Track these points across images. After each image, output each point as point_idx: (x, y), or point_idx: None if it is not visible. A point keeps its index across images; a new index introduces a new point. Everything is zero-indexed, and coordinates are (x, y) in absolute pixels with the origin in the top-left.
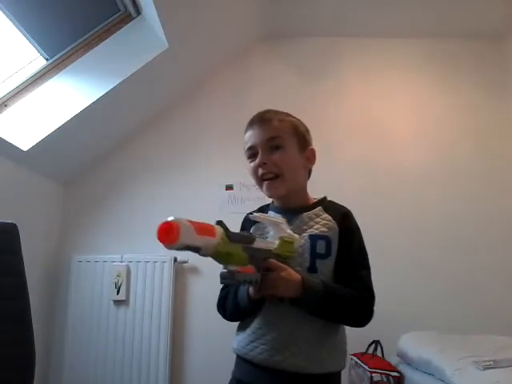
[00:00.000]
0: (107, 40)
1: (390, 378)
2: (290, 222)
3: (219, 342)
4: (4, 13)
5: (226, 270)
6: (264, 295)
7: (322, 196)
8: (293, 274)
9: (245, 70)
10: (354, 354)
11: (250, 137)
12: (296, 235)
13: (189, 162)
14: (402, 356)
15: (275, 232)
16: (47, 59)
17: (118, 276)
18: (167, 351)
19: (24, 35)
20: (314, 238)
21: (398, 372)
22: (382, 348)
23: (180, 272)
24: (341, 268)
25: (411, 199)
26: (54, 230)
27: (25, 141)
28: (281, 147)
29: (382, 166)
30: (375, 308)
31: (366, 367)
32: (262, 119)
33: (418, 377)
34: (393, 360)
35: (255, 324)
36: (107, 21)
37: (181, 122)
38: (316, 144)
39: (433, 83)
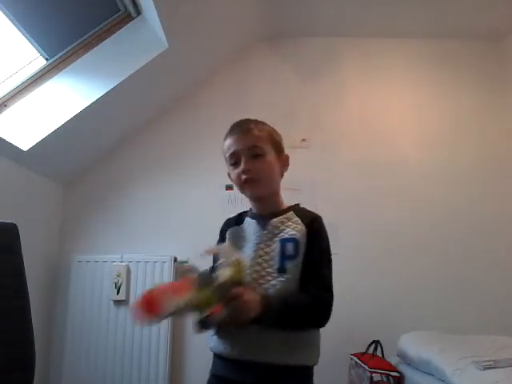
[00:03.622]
0: (107, 40)
1: (390, 378)
2: (263, 227)
3: None
4: (4, 13)
5: (198, 319)
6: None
7: (296, 203)
8: (251, 296)
9: (245, 70)
10: (354, 354)
11: (231, 144)
12: (243, 258)
13: (189, 161)
14: (402, 356)
15: (225, 259)
16: (47, 59)
17: (117, 276)
18: (167, 351)
19: (24, 35)
20: (283, 242)
21: (398, 372)
22: (382, 348)
23: (180, 272)
24: (305, 266)
25: (411, 199)
26: (54, 230)
27: (25, 141)
28: (261, 155)
29: (382, 166)
30: (375, 308)
31: (366, 367)
32: (244, 129)
33: (417, 377)
34: (393, 360)
35: (228, 327)
36: (107, 21)
37: (181, 122)
38: (316, 144)
39: (433, 83)
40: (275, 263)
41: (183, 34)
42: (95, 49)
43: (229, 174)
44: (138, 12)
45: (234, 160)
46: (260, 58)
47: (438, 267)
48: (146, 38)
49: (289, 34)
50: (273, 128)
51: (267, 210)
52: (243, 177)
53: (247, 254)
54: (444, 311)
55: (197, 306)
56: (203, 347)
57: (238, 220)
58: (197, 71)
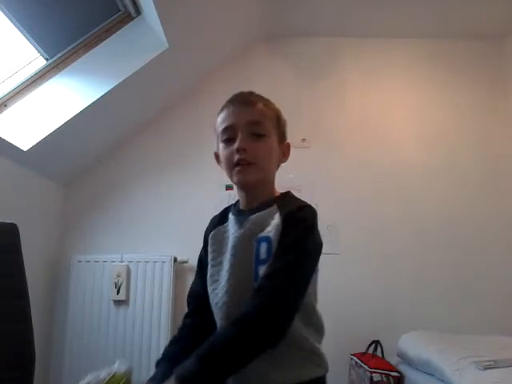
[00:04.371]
0: (107, 40)
1: (390, 378)
2: (241, 225)
3: None
4: (4, 13)
5: None
6: None
7: (286, 191)
8: None
9: (245, 70)
10: (354, 354)
11: (228, 116)
12: (118, 372)
13: (189, 161)
14: (402, 356)
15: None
16: (47, 59)
17: (118, 276)
18: None
19: (24, 35)
20: (258, 242)
21: (398, 372)
22: (382, 348)
23: (180, 272)
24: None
25: (412, 199)
26: (54, 230)
27: (25, 141)
28: (263, 135)
29: (382, 166)
30: (375, 308)
31: (366, 367)
32: (247, 100)
33: (417, 377)
34: (393, 360)
35: None
36: (107, 21)
37: (181, 122)
38: (316, 144)
39: (433, 83)
40: (251, 269)
41: (183, 34)
42: (95, 49)
43: (216, 155)
44: (138, 12)
45: (228, 136)
46: (260, 57)
47: (438, 267)
48: (145, 38)
49: (289, 33)
50: (279, 110)
51: (253, 203)
52: (236, 157)
53: (227, 260)
54: (444, 311)
55: None
56: None
57: (223, 218)
58: (197, 71)
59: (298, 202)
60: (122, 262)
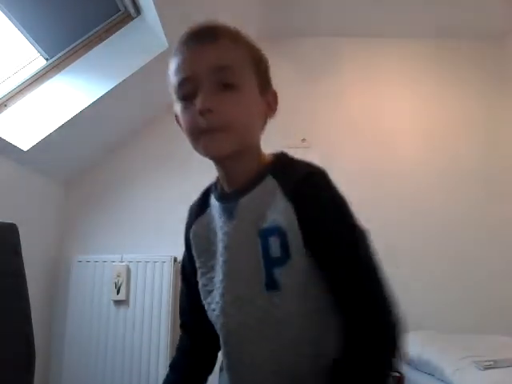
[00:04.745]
0: (107, 40)
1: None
2: (231, 214)
3: None
4: (4, 13)
5: None
6: None
7: (278, 152)
8: None
9: None
10: None
11: (182, 63)
12: None
13: (189, 161)
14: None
15: None
16: (47, 59)
17: (118, 276)
18: (167, 351)
19: (24, 35)
20: (264, 236)
21: (398, 372)
22: None
23: (180, 272)
24: (330, 275)
25: (412, 199)
26: (54, 229)
27: (25, 141)
28: (235, 86)
29: (382, 166)
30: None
31: None
32: (206, 35)
33: (417, 377)
34: None
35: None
36: (107, 21)
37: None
38: (316, 144)
39: (433, 83)
40: (260, 275)
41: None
42: (95, 49)
43: (176, 118)
44: (138, 12)
45: (186, 92)
46: None
47: (437, 267)
48: (145, 38)
49: (289, 33)
50: (256, 45)
51: (238, 180)
52: (200, 121)
53: (218, 266)
54: (444, 311)
55: None
56: None
57: (203, 203)
58: None
59: (301, 168)
60: (121, 262)
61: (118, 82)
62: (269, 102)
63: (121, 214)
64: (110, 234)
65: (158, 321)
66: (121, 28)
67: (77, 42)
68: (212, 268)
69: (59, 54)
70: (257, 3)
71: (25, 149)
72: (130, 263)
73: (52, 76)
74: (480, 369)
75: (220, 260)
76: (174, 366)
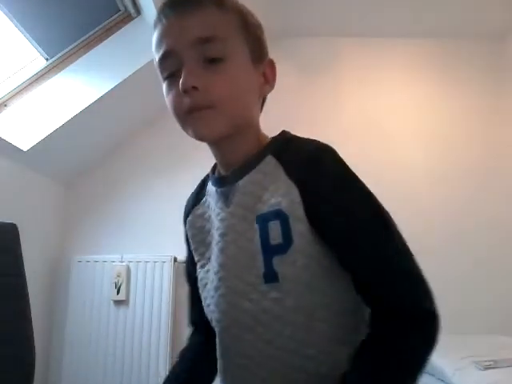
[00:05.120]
0: (107, 40)
1: None
2: (227, 200)
3: None
4: (4, 13)
5: None
6: None
7: (280, 132)
8: None
9: None
10: None
11: (162, 36)
12: None
13: (189, 161)
14: None
15: None
16: (47, 59)
17: (118, 276)
18: (167, 351)
19: (24, 35)
20: (263, 221)
21: None
22: None
23: (180, 272)
24: (346, 259)
25: (411, 198)
26: (54, 230)
27: (25, 141)
28: (222, 58)
29: (382, 166)
30: None
31: None
32: (186, 1)
33: None
34: None
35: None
36: (107, 21)
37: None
38: None
39: (433, 83)
40: (258, 265)
41: None
42: (95, 49)
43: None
44: (138, 12)
45: (169, 68)
46: None
47: (437, 267)
48: (146, 38)
49: (288, 33)
50: (246, 8)
51: (235, 162)
52: (187, 102)
53: (214, 256)
54: (444, 311)
55: None
56: None
57: (199, 194)
58: None
59: (306, 145)
60: (122, 262)
61: (118, 82)
62: (265, 72)
63: (121, 214)
64: (110, 234)
65: (158, 321)
66: (121, 28)
67: (77, 42)
68: (209, 260)
69: (59, 54)
70: (256, 3)
71: (25, 149)
72: (130, 263)
73: (52, 76)
74: (480, 369)
75: (215, 250)
76: (182, 358)
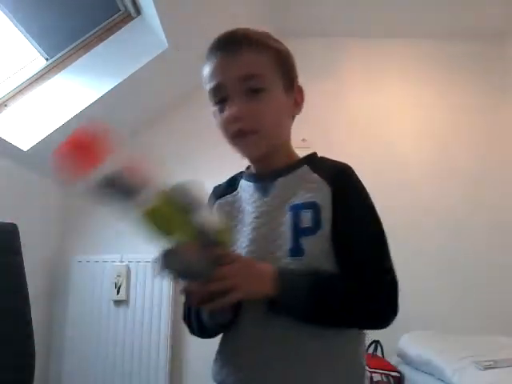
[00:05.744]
0: (107, 40)
1: (390, 378)
2: (265, 192)
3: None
4: (4, 13)
5: (164, 247)
6: (214, 305)
7: (311, 152)
8: (259, 264)
9: None
10: None
11: (212, 72)
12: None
13: (189, 161)
14: (402, 356)
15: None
16: (47, 59)
17: (117, 276)
18: (167, 351)
19: (24, 35)
20: (295, 210)
21: (398, 372)
22: (382, 348)
23: None
24: (341, 245)
25: (412, 198)
26: (54, 230)
27: (25, 141)
28: (261, 90)
29: (382, 166)
30: None
31: (366, 367)
32: (232, 47)
33: (417, 377)
34: (393, 360)
35: (228, 344)
36: (107, 21)
37: (181, 122)
38: (316, 144)
39: (433, 83)
40: (285, 242)
41: (183, 33)
42: (95, 49)
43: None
44: (138, 12)
45: (219, 97)
46: None
47: (438, 267)
48: (145, 38)
49: (289, 33)
50: (279, 41)
51: (274, 165)
52: (233, 127)
53: (244, 234)
54: (444, 311)
55: (162, 218)
56: (203, 347)
57: (230, 187)
58: (197, 71)
59: (337, 162)
60: (122, 262)
61: (118, 82)
62: (295, 98)
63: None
64: (110, 234)
65: (158, 321)
66: (121, 28)
67: (77, 42)
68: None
69: (59, 54)
70: (257, 4)
71: (25, 149)
72: (129, 263)
73: (52, 76)
74: (480, 369)
75: (247, 229)
76: None
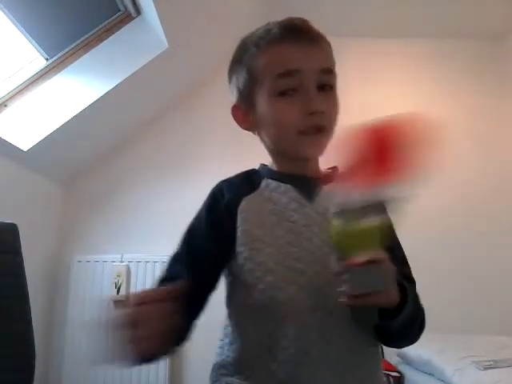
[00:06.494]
0: (107, 40)
1: (390, 378)
2: (310, 196)
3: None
4: (4, 13)
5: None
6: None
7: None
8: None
9: None
10: None
11: (290, 56)
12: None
13: (189, 162)
14: (402, 356)
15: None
16: (47, 59)
17: (117, 276)
18: None
19: (24, 35)
20: None
21: (398, 372)
22: (382, 348)
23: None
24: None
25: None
26: (54, 230)
27: (25, 141)
28: (332, 87)
29: None
30: None
31: None
32: (315, 36)
33: (418, 377)
34: (393, 360)
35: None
36: (107, 21)
37: (181, 122)
38: None
39: (432, 83)
40: (328, 262)
41: (183, 34)
42: (95, 49)
43: (236, 110)
44: (138, 12)
45: (289, 86)
46: None
47: (437, 267)
48: (146, 38)
49: None
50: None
51: (309, 170)
52: (309, 121)
53: (281, 243)
54: (444, 311)
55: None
56: (203, 347)
57: (248, 184)
58: (197, 71)
59: None
60: (122, 262)
61: (118, 82)
62: None
63: (121, 214)
64: (110, 234)
65: None
66: (121, 28)
67: (77, 42)
68: (266, 242)
69: (59, 54)
70: (257, 3)
71: (25, 149)
72: (129, 263)
73: (52, 76)
74: (480, 369)
75: (292, 237)
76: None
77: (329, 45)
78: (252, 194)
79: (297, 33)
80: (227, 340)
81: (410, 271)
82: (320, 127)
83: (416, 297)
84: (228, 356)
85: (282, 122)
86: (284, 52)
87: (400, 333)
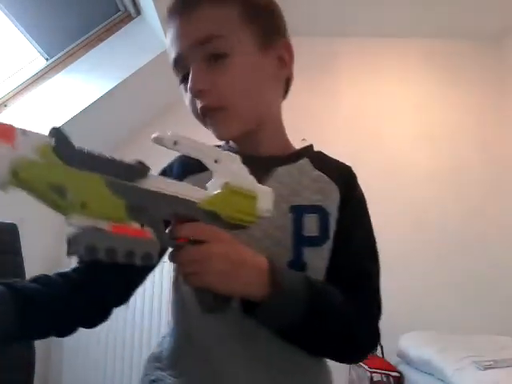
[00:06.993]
0: (107, 40)
1: (390, 378)
2: (260, 178)
3: None
4: (4, 13)
5: (79, 228)
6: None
7: (308, 144)
8: (248, 252)
9: None
10: None
11: (170, 42)
12: (264, 187)
13: None
14: (402, 356)
15: (217, 175)
16: (47, 59)
17: None
18: None
19: (24, 35)
20: (298, 212)
21: (398, 372)
22: (382, 348)
23: None
24: (339, 258)
25: (409, 198)
26: (54, 230)
27: None
28: (225, 54)
29: (380, 166)
30: None
31: (366, 367)
32: (184, 5)
33: (418, 377)
34: (393, 360)
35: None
36: (107, 21)
37: (181, 122)
38: (315, 144)
39: (432, 83)
40: (283, 252)
41: None
42: (95, 49)
43: None
44: (138, 12)
45: (182, 73)
46: None
47: (437, 268)
48: (146, 38)
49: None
50: None
51: (263, 150)
52: (198, 104)
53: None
54: (444, 311)
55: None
56: None
57: (201, 162)
58: None
59: (340, 162)
60: None
61: (117, 82)
62: (280, 56)
63: None
64: None
65: (158, 321)
66: (121, 28)
67: (77, 42)
68: None
69: (59, 54)
70: None
71: None
72: None
73: (52, 76)
74: (480, 369)
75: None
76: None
77: (211, 7)
78: (201, 174)
79: (174, 11)
80: (167, 331)
81: (370, 266)
82: (207, 108)
83: (331, 297)
84: (165, 348)
85: (188, 107)
86: (168, 39)
87: (300, 338)
